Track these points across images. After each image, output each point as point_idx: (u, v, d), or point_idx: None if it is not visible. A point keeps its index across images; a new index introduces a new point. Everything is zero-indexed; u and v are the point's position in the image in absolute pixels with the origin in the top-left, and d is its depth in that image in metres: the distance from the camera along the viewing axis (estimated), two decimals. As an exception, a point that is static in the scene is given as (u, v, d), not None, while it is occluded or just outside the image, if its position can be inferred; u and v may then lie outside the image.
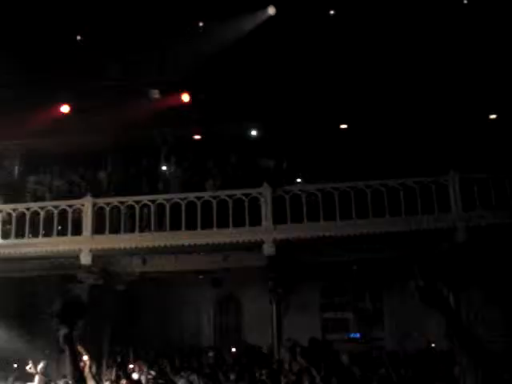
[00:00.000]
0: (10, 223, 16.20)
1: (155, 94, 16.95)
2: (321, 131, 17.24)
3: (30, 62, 16.70)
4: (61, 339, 3.97)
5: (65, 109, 17.66)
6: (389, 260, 15.63)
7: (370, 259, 15.86)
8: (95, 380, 6.71)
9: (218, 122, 17.02)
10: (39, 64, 16.64)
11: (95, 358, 11.20)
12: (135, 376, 10.30)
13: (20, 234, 16.05)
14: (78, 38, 17.54)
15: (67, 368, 5.07)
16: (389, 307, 18.34)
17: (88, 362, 6.66)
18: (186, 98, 17.05)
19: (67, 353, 4.05)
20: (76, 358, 4.28)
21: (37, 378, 11.12)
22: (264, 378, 11.63)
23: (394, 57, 15.52)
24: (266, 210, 15.37)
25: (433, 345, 15.95)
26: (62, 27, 16.40)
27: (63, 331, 3.99)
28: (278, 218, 15.34)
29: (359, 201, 15.29)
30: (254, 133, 18.28)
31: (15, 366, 14.90)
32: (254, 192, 15.58)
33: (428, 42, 15.48)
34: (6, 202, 16.77)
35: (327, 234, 15.08)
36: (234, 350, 16.76)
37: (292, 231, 15.24)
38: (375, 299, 18.78)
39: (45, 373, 12.21)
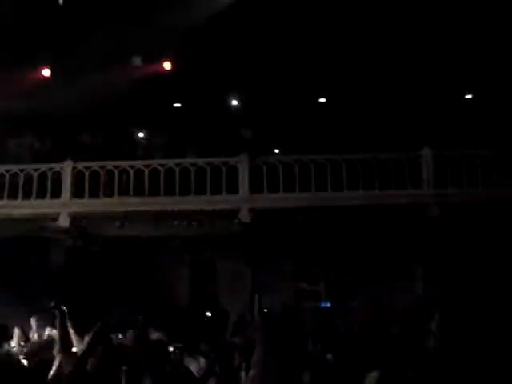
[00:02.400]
0: (-11, 184, 16.35)
1: (137, 61, 17.06)
2: (299, 104, 17.48)
3: (10, 24, 16.66)
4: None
5: (46, 72, 17.69)
6: (363, 233, 16.04)
7: (343, 232, 16.22)
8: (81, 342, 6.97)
9: (198, 91, 17.17)
10: (20, 27, 16.62)
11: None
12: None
13: (-1, 195, 16.22)
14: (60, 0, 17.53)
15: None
16: (362, 280, 18.72)
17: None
18: (167, 66, 17.20)
19: (58, 320, 4.43)
20: (65, 324, 4.64)
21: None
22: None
23: (373, 32, 15.72)
24: (244, 179, 15.68)
25: None
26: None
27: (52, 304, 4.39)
28: (255, 188, 15.67)
29: (335, 174, 15.63)
30: (233, 103, 18.49)
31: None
32: (232, 161, 15.87)
33: (408, 19, 15.68)
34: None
35: (302, 204, 15.43)
36: (208, 313, 17.05)
37: (268, 200, 15.58)
38: (348, 272, 19.20)
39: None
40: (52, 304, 4.49)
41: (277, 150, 17.44)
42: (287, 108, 17.29)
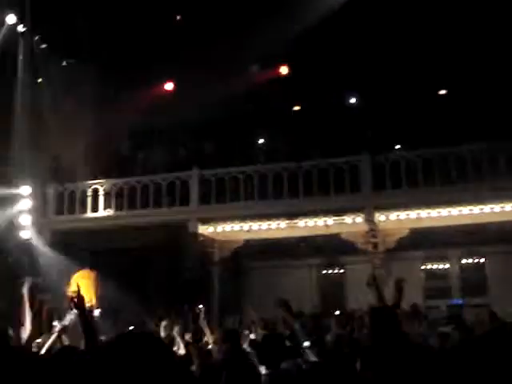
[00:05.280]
0: (123, 196, 17.22)
1: (255, 68, 17.46)
2: (419, 97, 17.22)
3: (136, 45, 17.51)
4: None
5: (169, 86, 18.49)
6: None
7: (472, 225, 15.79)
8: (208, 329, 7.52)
9: (317, 93, 17.31)
10: (143, 44, 17.43)
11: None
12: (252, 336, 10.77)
13: (132, 205, 17.05)
14: (178, 17, 18.29)
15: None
16: (491, 274, 18.23)
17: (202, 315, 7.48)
18: (284, 70, 17.49)
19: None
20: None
21: None
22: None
23: (489, 20, 15.32)
24: (366, 177, 15.63)
25: None
26: (162, 8, 17.10)
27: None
28: (378, 185, 15.58)
29: (459, 166, 15.25)
30: (352, 101, 18.51)
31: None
32: (353, 160, 15.87)
33: None
34: (118, 176, 17.76)
35: (427, 200, 15.16)
36: (337, 312, 17.03)
37: (391, 197, 15.45)
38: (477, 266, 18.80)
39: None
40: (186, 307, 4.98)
41: (398, 146, 17.26)
42: (406, 102, 17.07)
